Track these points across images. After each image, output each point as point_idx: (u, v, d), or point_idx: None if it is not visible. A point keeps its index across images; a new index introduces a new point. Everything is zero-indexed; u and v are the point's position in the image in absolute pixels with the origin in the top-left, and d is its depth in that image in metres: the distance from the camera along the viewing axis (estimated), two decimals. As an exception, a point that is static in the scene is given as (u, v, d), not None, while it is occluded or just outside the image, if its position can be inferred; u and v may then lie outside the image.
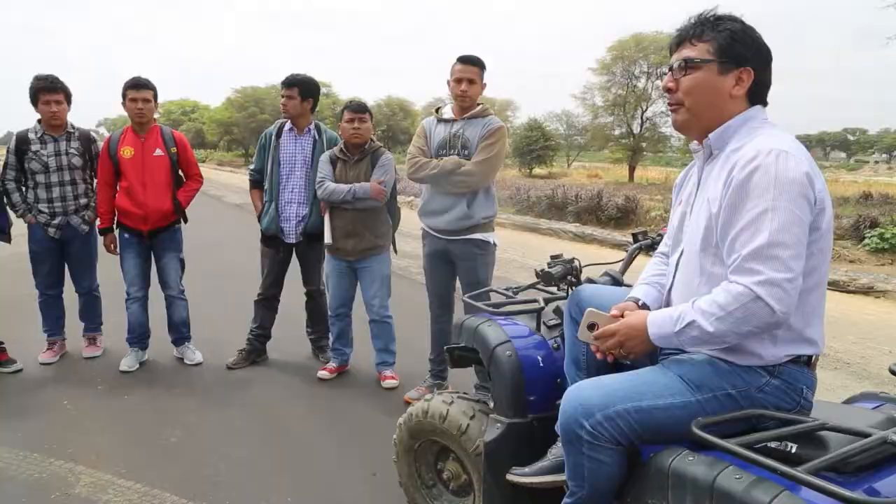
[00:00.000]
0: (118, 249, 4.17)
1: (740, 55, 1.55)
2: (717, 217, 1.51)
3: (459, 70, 3.38)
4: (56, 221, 4.03)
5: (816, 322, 1.56)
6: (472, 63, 3.39)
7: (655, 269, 1.90)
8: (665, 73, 1.66)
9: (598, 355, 1.70)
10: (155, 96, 4.02)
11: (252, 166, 4.28)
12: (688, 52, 1.59)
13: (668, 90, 1.63)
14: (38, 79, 3.95)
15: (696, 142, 1.67)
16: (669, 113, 1.68)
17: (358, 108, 3.77)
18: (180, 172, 4.18)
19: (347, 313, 4.04)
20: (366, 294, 3.92)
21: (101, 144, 4.14)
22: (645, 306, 1.76)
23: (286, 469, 2.95)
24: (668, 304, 1.74)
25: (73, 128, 4.10)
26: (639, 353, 1.62)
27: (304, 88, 3.98)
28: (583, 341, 1.75)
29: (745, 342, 1.51)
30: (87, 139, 4.14)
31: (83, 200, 4.11)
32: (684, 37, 1.61)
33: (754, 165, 1.44)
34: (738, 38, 1.55)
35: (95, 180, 4.18)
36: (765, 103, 1.62)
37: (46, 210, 4.02)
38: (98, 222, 4.18)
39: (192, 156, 4.25)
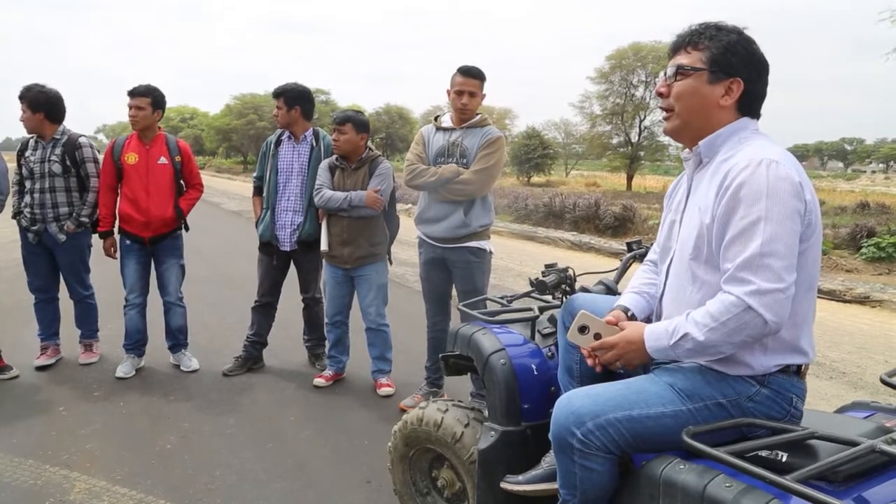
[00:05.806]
0: (118, 255, 4.17)
1: (731, 66, 1.57)
2: (711, 227, 1.53)
3: (461, 83, 3.39)
4: (35, 228, 4.05)
5: (807, 331, 1.57)
6: (473, 76, 3.39)
7: (644, 277, 1.91)
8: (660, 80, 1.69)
9: (591, 362, 1.72)
10: (153, 104, 4.00)
11: (256, 173, 4.31)
12: (681, 58, 1.63)
13: (661, 94, 1.67)
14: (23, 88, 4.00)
15: (687, 150, 1.70)
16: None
17: (337, 120, 3.78)
18: (182, 181, 4.21)
19: (344, 321, 4.04)
20: (362, 302, 3.93)
21: (88, 151, 4.08)
22: (633, 317, 1.78)
23: (281, 476, 2.95)
24: (659, 312, 1.76)
25: (62, 134, 4.06)
26: (635, 365, 1.65)
27: (287, 98, 4.00)
28: (573, 344, 1.76)
29: (735, 353, 1.52)
30: (72, 146, 4.05)
31: (63, 209, 4.06)
32: (680, 44, 1.64)
33: (746, 175, 1.46)
34: (731, 49, 1.57)
35: (91, 187, 4.13)
36: (756, 115, 1.64)
37: (29, 215, 4.05)
38: (92, 227, 4.16)
39: (194, 165, 4.29)
